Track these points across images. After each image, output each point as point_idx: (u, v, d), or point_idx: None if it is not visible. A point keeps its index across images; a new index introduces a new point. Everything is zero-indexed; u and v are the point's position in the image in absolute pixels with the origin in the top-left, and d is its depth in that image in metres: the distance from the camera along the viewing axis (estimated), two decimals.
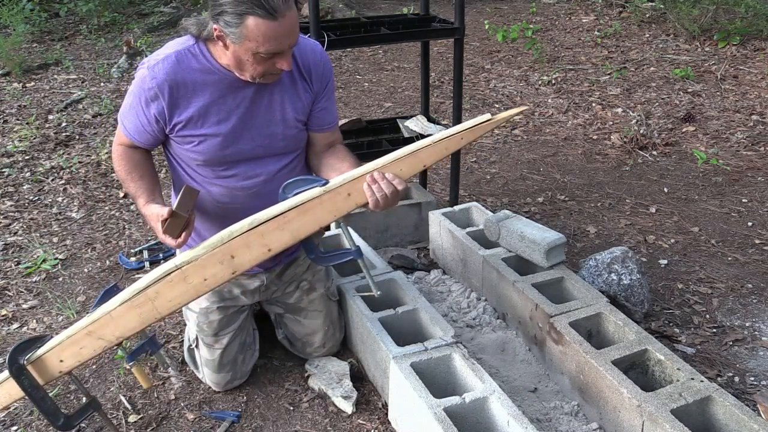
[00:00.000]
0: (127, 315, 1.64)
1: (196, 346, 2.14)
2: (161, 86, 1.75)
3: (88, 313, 2.30)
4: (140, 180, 1.88)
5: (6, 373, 1.64)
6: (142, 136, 1.86)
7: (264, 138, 1.88)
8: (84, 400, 1.78)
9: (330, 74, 1.97)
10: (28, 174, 3.79)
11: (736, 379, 2.15)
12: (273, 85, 1.85)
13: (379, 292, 1.82)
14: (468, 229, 2.62)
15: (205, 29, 1.73)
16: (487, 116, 1.71)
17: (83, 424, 2.01)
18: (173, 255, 2.84)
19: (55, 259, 2.94)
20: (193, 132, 1.81)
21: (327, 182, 1.68)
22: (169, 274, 1.62)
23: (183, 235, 1.71)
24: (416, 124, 3.02)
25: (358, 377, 2.16)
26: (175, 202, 1.71)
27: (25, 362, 1.64)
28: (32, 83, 5.42)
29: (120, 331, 1.67)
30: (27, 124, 4.52)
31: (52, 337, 1.68)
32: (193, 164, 1.89)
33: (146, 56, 1.83)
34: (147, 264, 2.86)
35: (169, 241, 1.71)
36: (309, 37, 2.52)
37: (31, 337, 1.65)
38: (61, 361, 1.68)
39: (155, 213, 1.75)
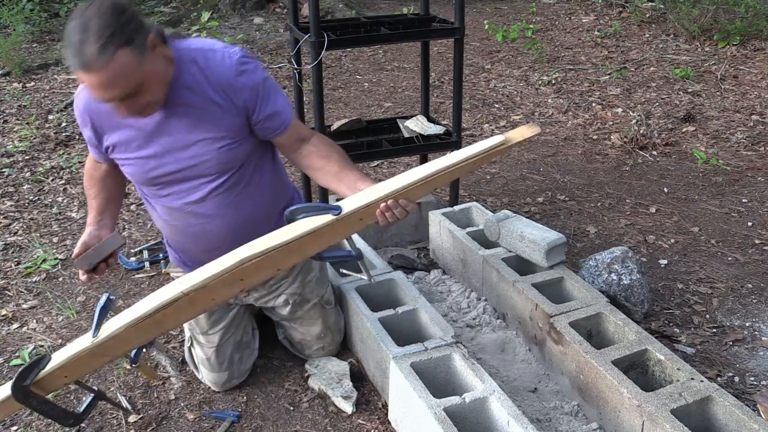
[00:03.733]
0: (134, 335, 1.64)
1: (192, 345, 2.15)
2: (83, 115, 1.81)
3: (89, 323, 2.29)
4: (94, 198, 1.96)
5: (8, 391, 1.63)
6: (93, 151, 1.93)
7: (188, 160, 1.80)
8: (86, 395, 1.78)
9: (255, 80, 1.77)
10: (28, 174, 3.79)
11: (736, 379, 2.15)
12: (189, 108, 1.76)
13: (373, 279, 1.81)
14: (468, 229, 2.62)
15: None
16: (501, 139, 1.69)
17: (83, 425, 2.01)
18: None
19: (55, 259, 2.94)
20: (120, 155, 1.85)
21: (340, 210, 1.64)
22: (176, 300, 1.60)
23: (86, 275, 1.80)
24: (416, 124, 3.02)
25: (358, 377, 2.16)
26: (91, 249, 1.80)
27: (29, 385, 1.63)
28: (32, 83, 5.42)
29: (126, 347, 1.68)
30: (27, 124, 4.52)
31: (51, 357, 1.65)
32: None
33: None
34: (147, 264, 2.86)
35: (78, 270, 1.80)
36: (309, 37, 2.50)
37: (31, 362, 1.63)
38: (66, 376, 1.68)
39: (82, 240, 1.82)
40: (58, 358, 1.64)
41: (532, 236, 2.31)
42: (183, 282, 1.61)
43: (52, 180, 3.71)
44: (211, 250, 1.84)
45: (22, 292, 2.72)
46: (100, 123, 1.80)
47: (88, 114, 1.80)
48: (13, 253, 3.01)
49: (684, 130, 4.24)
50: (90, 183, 1.97)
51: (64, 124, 4.50)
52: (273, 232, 1.66)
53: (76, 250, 1.79)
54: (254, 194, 1.93)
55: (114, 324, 1.62)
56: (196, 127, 1.77)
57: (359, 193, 1.72)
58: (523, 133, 1.72)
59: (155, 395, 2.13)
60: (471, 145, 1.74)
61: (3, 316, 2.56)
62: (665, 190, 3.49)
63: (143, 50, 1.56)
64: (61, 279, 2.81)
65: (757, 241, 2.97)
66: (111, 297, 1.63)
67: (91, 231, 1.85)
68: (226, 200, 1.88)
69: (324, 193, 2.77)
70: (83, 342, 1.63)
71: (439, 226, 2.74)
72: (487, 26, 6.10)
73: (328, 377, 2.12)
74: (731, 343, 2.32)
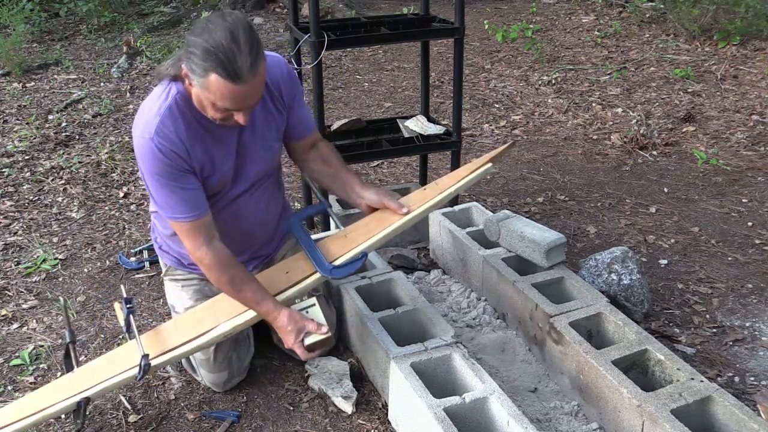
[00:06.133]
0: None
1: None
2: (174, 141, 1.76)
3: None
4: (253, 279, 1.91)
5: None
6: (199, 198, 1.83)
7: (258, 162, 1.99)
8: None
9: (297, 84, 2.03)
10: (28, 174, 3.79)
11: (736, 379, 2.15)
12: (256, 111, 1.90)
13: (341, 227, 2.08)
14: (468, 229, 2.62)
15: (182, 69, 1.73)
16: (493, 170, 1.93)
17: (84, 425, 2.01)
18: None
19: (55, 259, 2.94)
20: (207, 174, 1.87)
21: (365, 256, 1.96)
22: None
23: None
24: (416, 124, 3.02)
25: (358, 377, 2.16)
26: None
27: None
28: (32, 83, 5.42)
29: None
30: (27, 124, 4.52)
31: (91, 399, 1.81)
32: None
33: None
34: (147, 264, 2.86)
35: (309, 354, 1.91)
36: (309, 37, 2.53)
37: (82, 415, 1.79)
38: None
39: (306, 323, 1.89)
40: (96, 391, 1.82)
41: (532, 236, 2.31)
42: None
43: (52, 180, 3.71)
44: (243, 250, 2.03)
45: (22, 292, 2.72)
46: (190, 141, 1.79)
47: (177, 136, 1.76)
48: (13, 253, 3.01)
49: (684, 130, 4.23)
50: (233, 269, 1.87)
51: (64, 124, 4.50)
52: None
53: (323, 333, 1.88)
54: (279, 196, 2.15)
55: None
56: (262, 128, 1.95)
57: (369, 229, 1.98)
58: (503, 153, 2.06)
59: (155, 395, 2.13)
60: (467, 176, 2.06)
61: (3, 316, 2.56)
62: (665, 190, 3.49)
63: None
64: (61, 279, 2.81)
65: (757, 241, 2.97)
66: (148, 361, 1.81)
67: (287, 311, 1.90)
68: (263, 199, 2.05)
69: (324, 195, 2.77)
70: (119, 375, 1.83)
71: (439, 226, 2.74)
72: (487, 26, 6.10)
73: (328, 377, 2.12)
74: (731, 343, 2.32)
